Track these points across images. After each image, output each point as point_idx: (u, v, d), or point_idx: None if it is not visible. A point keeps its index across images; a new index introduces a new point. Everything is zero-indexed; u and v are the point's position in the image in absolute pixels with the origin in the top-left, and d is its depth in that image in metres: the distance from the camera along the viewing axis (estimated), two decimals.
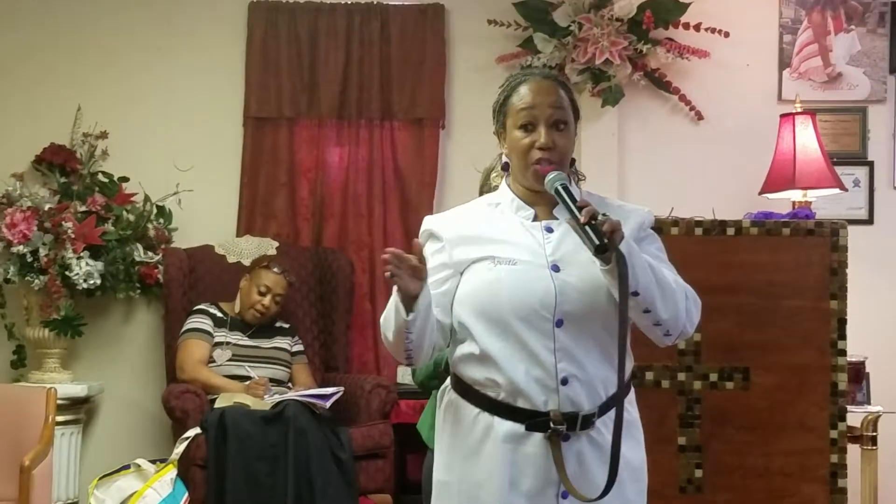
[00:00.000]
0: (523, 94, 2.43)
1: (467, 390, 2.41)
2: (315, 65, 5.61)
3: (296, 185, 5.60)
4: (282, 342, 5.06)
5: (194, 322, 4.98)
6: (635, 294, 2.28)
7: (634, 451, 2.42)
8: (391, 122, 5.62)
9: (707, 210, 4.29)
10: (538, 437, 2.33)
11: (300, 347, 5.15)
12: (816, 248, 4.01)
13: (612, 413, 2.32)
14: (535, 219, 2.44)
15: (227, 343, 4.94)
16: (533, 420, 2.33)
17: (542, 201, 2.45)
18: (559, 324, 2.33)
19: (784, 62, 5.60)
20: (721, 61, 5.49)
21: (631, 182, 5.41)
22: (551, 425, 2.31)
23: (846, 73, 5.57)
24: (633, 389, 2.48)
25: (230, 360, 4.91)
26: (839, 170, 5.16)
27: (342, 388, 4.76)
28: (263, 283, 5.02)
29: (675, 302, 2.35)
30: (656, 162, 5.49)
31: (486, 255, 2.39)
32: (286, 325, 5.16)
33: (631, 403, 2.45)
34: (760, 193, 5.17)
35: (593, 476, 2.34)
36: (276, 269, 5.05)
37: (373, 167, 5.61)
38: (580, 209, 2.24)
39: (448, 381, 2.51)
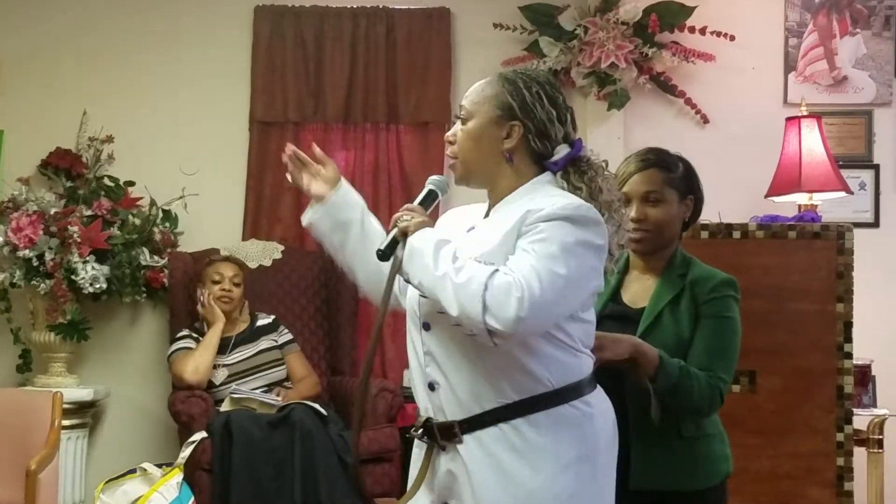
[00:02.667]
0: None
1: None
2: (321, 69, 5.61)
3: (301, 190, 5.59)
4: (266, 341, 5.04)
5: (180, 343, 4.97)
6: (422, 294, 2.28)
7: (526, 474, 2.26)
8: (397, 125, 5.63)
9: (713, 213, 4.26)
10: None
11: (288, 336, 5.10)
12: (822, 251, 4.01)
13: (492, 431, 2.27)
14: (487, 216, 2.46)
15: (219, 364, 4.93)
16: (418, 424, 2.39)
17: (494, 201, 2.45)
18: (426, 327, 2.35)
19: (790, 65, 5.59)
20: (727, 65, 5.49)
21: None
22: (412, 431, 2.39)
23: (852, 76, 5.57)
24: (552, 411, 2.28)
25: (226, 379, 4.90)
26: (845, 173, 5.15)
27: (279, 399, 4.77)
28: (214, 272, 5.01)
29: (464, 299, 2.16)
30: None
31: None
32: (269, 321, 5.12)
33: (536, 426, 2.27)
34: (766, 196, 5.17)
35: (459, 494, 2.31)
36: (218, 257, 5.08)
37: (379, 171, 5.61)
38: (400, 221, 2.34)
39: None
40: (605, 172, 2.43)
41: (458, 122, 2.44)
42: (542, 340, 2.26)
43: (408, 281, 2.28)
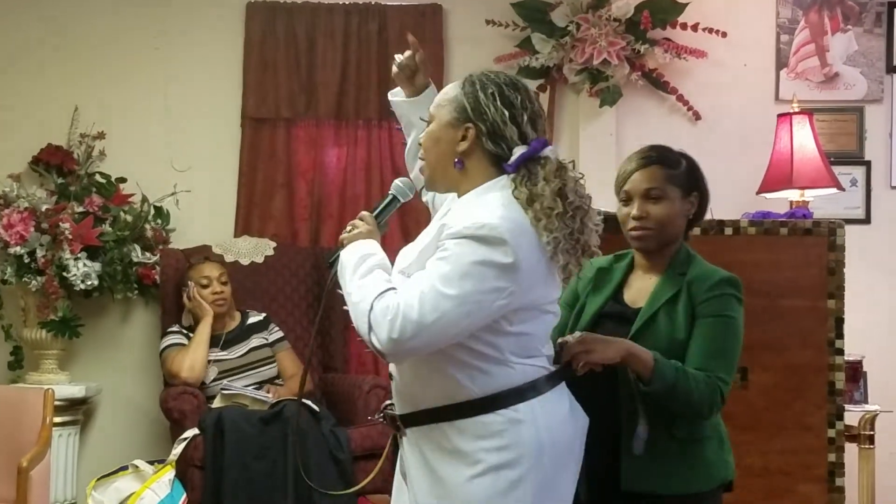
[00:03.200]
0: None
1: None
2: (313, 65, 5.61)
3: (294, 186, 5.60)
4: (257, 339, 5.03)
5: (171, 339, 4.96)
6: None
7: (447, 474, 2.35)
8: (389, 122, 5.61)
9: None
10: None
11: (279, 334, 5.09)
12: (814, 247, 4.02)
13: (426, 429, 2.37)
14: None
15: (210, 361, 4.92)
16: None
17: None
18: None
19: (781, 62, 5.60)
20: (718, 61, 5.50)
21: None
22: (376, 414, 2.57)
23: (843, 72, 5.58)
24: (477, 419, 2.34)
25: (217, 377, 4.89)
26: (836, 169, 5.16)
27: (269, 397, 4.76)
28: (201, 276, 5.00)
29: (354, 310, 2.32)
30: None
31: None
32: (260, 318, 5.11)
33: (461, 431, 2.33)
34: (758, 193, 5.18)
35: (410, 480, 2.46)
36: (198, 259, 5.07)
37: (371, 167, 5.61)
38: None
39: None
40: (570, 173, 2.39)
41: (425, 125, 2.51)
42: (462, 352, 2.32)
43: (330, 282, 2.46)
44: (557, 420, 2.39)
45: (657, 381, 2.52)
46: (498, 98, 2.40)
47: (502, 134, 2.39)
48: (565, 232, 2.32)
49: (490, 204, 2.33)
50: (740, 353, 2.67)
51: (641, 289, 2.75)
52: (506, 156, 2.39)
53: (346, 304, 2.37)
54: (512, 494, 2.31)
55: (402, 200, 2.59)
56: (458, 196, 2.46)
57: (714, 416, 2.64)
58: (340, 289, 2.40)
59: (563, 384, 2.46)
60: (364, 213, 2.52)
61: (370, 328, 2.25)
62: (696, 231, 4.03)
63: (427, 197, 2.84)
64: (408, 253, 2.44)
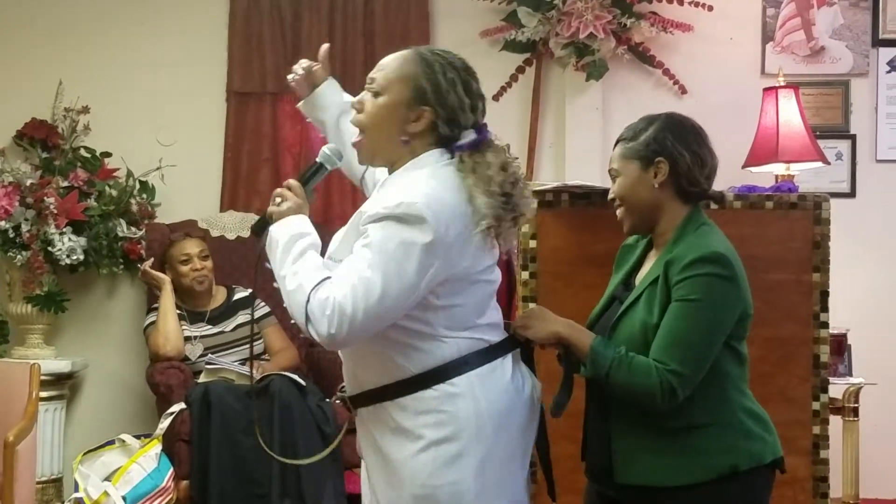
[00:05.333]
0: None
1: None
2: (298, 40, 5.58)
3: (279, 161, 5.59)
4: (244, 315, 5.03)
5: (152, 317, 4.96)
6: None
7: (392, 452, 2.39)
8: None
9: None
10: None
11: (265, 310, 5.06)
12: (799, 221, 4.01)
13: (372, 409, 2.41)
14: None
15: (195, 337, 4.92)
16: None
17: None
18: None
19: (767, 36, 5.60)
20: (704, 35, 5.49)
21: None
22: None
23: (829, 46, 5.58)
24: (416, 395, 2.36)
25: (203, 353, 4.89)
26: (822, 143, 5.16)
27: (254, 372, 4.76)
28: (181, 253, 4.99)
29: (289, 298, 2.35)
30: None
31: None
32: (246, 294, 5.10)
33: (403, 409, 2.36)
34: (744, 167, 5.18)
35: (365, 461, 2.52)
36: (178, 236, 5.06)
37: None
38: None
39: None
40: (507, 155, 2.42)
41: (368, 94, 2.45)
42: (395, 331, 2.33)
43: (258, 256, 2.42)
44: (497, 391, 2.39)
45: (591, 369, 2.48)
46: (459, 85, 2.40)
47: (458, 120, 2.40)
48: (502, 201, 2.34)
49: (417, 180, 2.33)
50: (717, 336, 2.50)
51: (646, 270, 2.66)
52: (455, 139, 2.40)
53: (275, 281, 2.39)
54: (454, 467, 2.33)
55: (329, 168, 2.55)
56: (391, 171, 2.45)
57: (670, 406, 2.45)
58: (268, 263, 2.40)
59: (510, 354, 2.47)
60: (292, 181, 2.48)
61: (307, 320, 2.28)
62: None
63: (359, 177, 2.82)
64: (336, 237, 2.48)
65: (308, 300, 2.28)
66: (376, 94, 2.43)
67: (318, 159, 2.52)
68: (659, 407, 2.45)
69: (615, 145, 2.71)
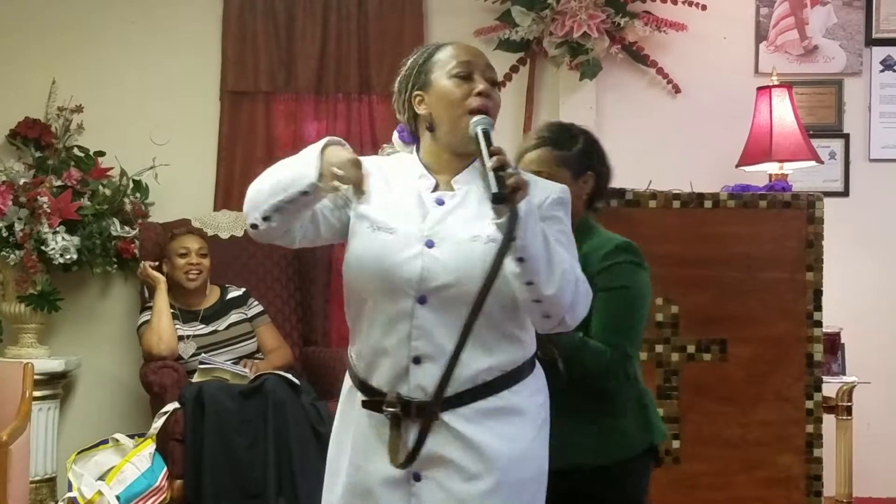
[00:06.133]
0: (454, 51, 2.38)
1: (349, 365, 2.45)
2: (292, 39, 5.58)
3: (273, 160, 5.48)
4: (237, 314, 5.02)
5: (145, 316, 4.93)
6: (521, 260, 2.14)
7: (496, 441, 2.27)
8: (369, 96, 5.60)
9: (685, 183, 4.30)
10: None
11: (258, 309, 5.08)
12: (793, 220, 4.03)
13: (482, 401, 2.26)
14: (436, 189, 2.35)
15: (188, 336, 4.92)
16: (369, 399, 2.32)
17: (448, 169, 2.36)
18: (422, 300, 2.25)
19: (761, 35, 5.60)
20: (698, 34, 5.49)
21: (609, 155, 5.39)
22: (383, 407, 2.27)
23: (822, 45, 5.59)
24: (530, 376, 2.35)
25: (195, 352, 4.88)
26: (815, 142, 5.18)
27: (247, 371, 4.75)
28: (180, 246, 4.98)
29: (562, 284, 2.18)
30: (634, 135, 5.49)
31: (368, 214, 2.33)
32: (239, 293, 5.09)
33: (514, 392, 2.29)
34: (737, 166, 5.19)
35: (449, 460, 2.26)
36: (181, 231, 5.06)
37: (350, 141, 5.45)
38: (493, 155, 2.15)
39: None
40: None
41: (488, 83, 2.34)
42: (519, 311, 2.28)
43: (510, 240, 2.09)
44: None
45: (556, 351, 2.57)
46: None
47: None
48: None
49: None
50: (645, 318, 2.70)
51: None
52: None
53: (519, 258, 2.14)
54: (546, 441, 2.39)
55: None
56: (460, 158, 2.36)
57: (616, 386, 2.66)
58: (515, 238, 2.10)
59: None
60: (506, 157, 2.19)
61: (573, 302, 2.21)
62: (677, 204, 4.06)
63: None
64: (460, 222, 2.28)
65: (576, 284, 2.23)
66: (495, 85, 2.38)
67: (479, 128, 2.25)
68: (611, 386, 2.63)
69: (535, 146, 2.78)
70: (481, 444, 2.26)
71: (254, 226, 2.38)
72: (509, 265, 2.15)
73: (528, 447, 2.31)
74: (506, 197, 2.08)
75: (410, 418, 2.26)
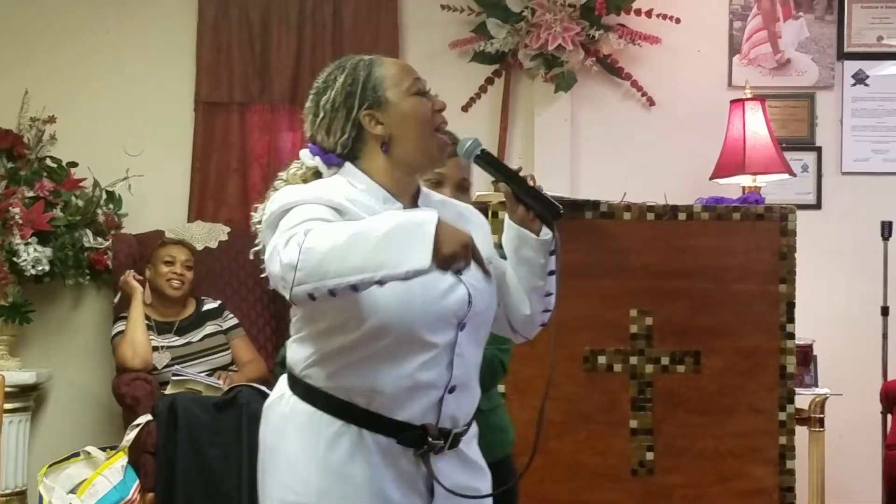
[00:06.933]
0: (400, 68, 2.30)
1: (326, 399, 2.15)
2: (267, 50, 5.57)
3: (248, 171, 5.58)
4: (212, 326, 5.01)
5: (119, 326, 4.91)
6: (551, 273, 2.20)
7: (479, 456, 2.31)
8: None
9: (659, 195, 4.31)
10: (410, 451, 2.12)
11: (233, 321, 5.07)
12: (766, 232, 4.05)
13: (474, 426, 2.27)
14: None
15: (162, 347, 4.89)
16: (405, 434, 2.11)
17: (404, 190, 2.22)
18: (462, 327, 2.14)
19: (734, 48, 5.64)
20: (672, 47, 5.52)
21: (584, 167, 5.43)
22: (429, 440, 2.11)
23: (795, 59, 5.62)
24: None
25: (169, 363, 4.86)
26: (788, 155, 5.21)
27: (220, 383, 4.73)
28: (167, 254, 4.98)
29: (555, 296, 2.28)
30: (609, 147, 5.52)
31: None
32: (215, 305, 5.09)
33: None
34: (711, 178, 5.21)
35: (457, 482, 2.17)
36: (172, 239, 5.05)
37: None
38: (517, 174, 2.15)
39: (280, 387, 2.35)
40: None
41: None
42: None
43: (556, 248, 2.16)
44: None
45: None
46: None
47: None
48: None
49: None
50: None
51: None
52: None
53: (551, 271, 2.21)
54: None
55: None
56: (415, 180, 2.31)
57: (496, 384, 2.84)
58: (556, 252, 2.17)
59: None
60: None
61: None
62: (651, 216, 4.07)
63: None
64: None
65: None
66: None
67: (478, 151, 2.22)
68: (492, 385, 2.80)
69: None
70: (477, 461, 2.29)
71: (311, 296, 2.11)
72: (528, 279, 2.22)
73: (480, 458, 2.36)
74: (559, 214, 2.13)
75: (444, 450, 2.16)
